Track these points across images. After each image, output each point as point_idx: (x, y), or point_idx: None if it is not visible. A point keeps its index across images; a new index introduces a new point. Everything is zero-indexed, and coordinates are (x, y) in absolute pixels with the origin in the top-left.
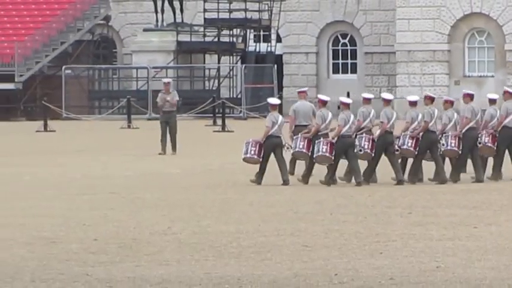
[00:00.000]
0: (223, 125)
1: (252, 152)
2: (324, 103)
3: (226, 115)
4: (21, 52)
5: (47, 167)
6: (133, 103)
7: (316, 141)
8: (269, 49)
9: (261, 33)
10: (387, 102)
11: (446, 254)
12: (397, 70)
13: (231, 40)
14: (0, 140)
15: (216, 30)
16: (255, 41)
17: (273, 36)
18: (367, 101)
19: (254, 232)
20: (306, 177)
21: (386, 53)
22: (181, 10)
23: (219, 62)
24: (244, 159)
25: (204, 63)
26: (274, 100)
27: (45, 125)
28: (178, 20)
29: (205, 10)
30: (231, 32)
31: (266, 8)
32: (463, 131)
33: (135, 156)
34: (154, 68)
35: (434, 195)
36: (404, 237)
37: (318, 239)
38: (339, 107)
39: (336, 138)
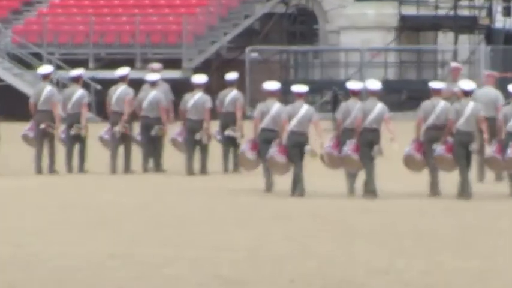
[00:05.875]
0: None
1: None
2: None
3: None
4: (191, 29)
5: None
6: (341, 97)
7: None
8: None
9: None
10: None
11: None
12: None
13: (472, 14)
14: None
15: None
16: (504, 15)
17: None
18: (271, 93)
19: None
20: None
21: None
22: None
23: (455, 43)
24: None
25: (436, 44)
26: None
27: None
28: None
29: None
30: (472, 2)
31: None
32: None
33: None
34: (369, 50)
35: None
36: None
37: None
38: None
39: None
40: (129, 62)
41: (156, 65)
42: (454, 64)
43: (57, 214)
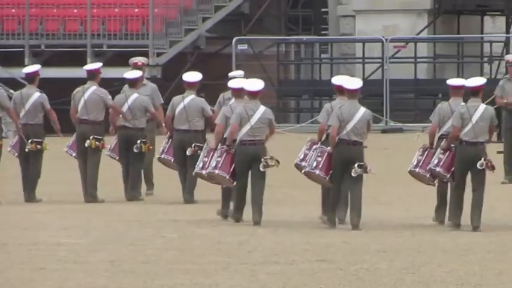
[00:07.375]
0: None
1: None
2: None
3: None
4: (160, 13)
5: None
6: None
7: None
8: None
9: None
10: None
11: None
12: None
13: None
14: None
15: None
16: None
17: None
18: (236, 93)
19: None
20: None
21: None
22: None
23: (508, 32)
24: None
25: (482, 32)
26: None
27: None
28: None
29: None
30: None
31: None
32: None
33: None
34: (393, 40)
35: None
36: None
37: None
38: None
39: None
40: (78, 57)
41: (139, 59)
42: (510, 57)
43: None
